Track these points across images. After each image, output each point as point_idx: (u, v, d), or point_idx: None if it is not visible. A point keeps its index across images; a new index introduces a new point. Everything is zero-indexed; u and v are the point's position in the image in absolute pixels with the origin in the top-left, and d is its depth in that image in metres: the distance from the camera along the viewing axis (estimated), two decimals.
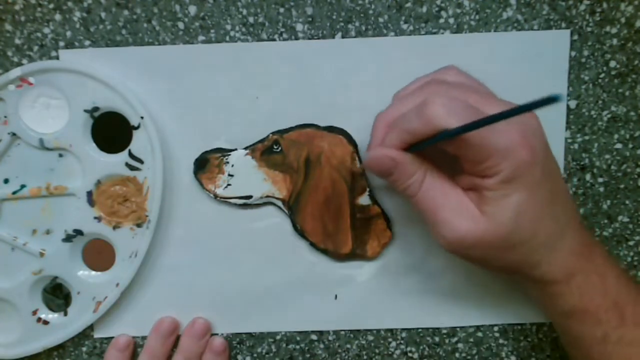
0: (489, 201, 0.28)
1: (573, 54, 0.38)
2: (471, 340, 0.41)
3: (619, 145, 0.39)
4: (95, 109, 0.37)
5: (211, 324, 0.40)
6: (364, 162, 0.32)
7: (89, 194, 0.38)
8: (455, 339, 0.41)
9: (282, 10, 0.37)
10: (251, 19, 0.37)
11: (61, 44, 0.37)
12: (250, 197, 0.38)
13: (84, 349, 0.40)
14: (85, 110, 0.37)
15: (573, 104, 0.38)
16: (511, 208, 0.28)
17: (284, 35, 0.37)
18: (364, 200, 0.38)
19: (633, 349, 0.30)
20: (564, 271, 0.30)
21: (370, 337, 0.40)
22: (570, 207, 0.32)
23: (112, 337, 0.40)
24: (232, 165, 0.37)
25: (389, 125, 0.31)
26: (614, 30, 0.37)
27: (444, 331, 0.40)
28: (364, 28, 0.37)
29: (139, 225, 0.38)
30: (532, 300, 0.35)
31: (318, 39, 0.37)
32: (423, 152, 0.30)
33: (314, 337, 0.40)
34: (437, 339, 0.41)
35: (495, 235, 0.29)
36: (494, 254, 0.30)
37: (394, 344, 0.41)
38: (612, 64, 0.38)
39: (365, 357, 0.41)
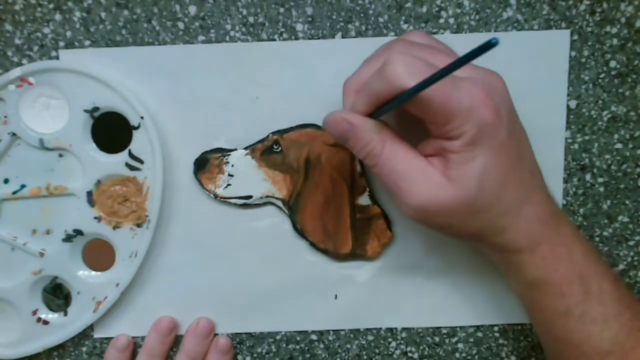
0: (454, 165, 0.28)
1: (573, 54, 0.38)
2: (471, 340, 0.41)
3: (619, 145, 0.39)
4: (95, 109, 0.37)
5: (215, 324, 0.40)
6: (323, 123, 0.31)
7: (89, 194, 0.38)
8: (455, 339, 0.41)
9: (282, 10, 0.37)
10: (251, 19, 0.37)
11: (61, 44, 0.37)
12: (250, 197, 0.38)
13: (84, 349, 0.40)
14: (85, 110, 0.37)
15: (573, 104, 0.38)
16: (476, 172, 0.27)
17: (284, 35, 0.37)
18: (364, 200, 0.38)
19: (595, 327, 0.30)
20: (529, 239, 0.30)
21: (370, 337, 0.40)
22: (536, 173, 0.31)
23: (112, 337, 0.40)
24: (232, 165, 0.38)
25: (357, 91, 0.30)
26: (614, 30, 0.37)
27: (444, 331, 0.41)
28: (364, 28, 0.37)
29: (139, 225, 0.38)
30: (497, 269, 0.34)
31: (318, 39, 0.37)
32: (385, 121, 0.30)
33: (314, 337, 0.40)
34: (437, 339, 0.41)
35: (460, 200, 0.28)
36: (459, 221, 0.29)
37: (394, 344, 0.41)
38: (612, 64, 0.38)
39: (365, 357, 0.41)
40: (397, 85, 0.26)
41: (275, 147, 0.37)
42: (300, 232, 0.38)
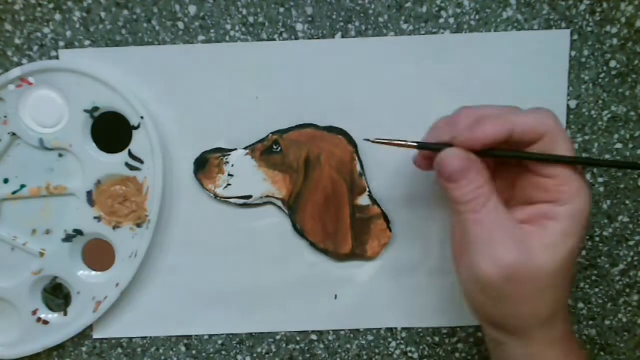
0: (551, 235, 0.28)
1: (573, 54, 0.38)
2: (471, 340, 0.41)
3: (619, 145, 0.39)
4: (95, 109, 0.37)
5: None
6: (436, 160, 0.30)
7: (89, 194, 0.38)
8: (455, 339, 0.41)
9: (282, 10, 0.37)
10: (251, 19, 0.37)
11: (61, 44, 0.37)
12: (250, 197, 0.38)
13: (84, 349, 0.40)
14: (85, 110, 0.37)
15: (573, 104, 0.38)
16: (569, 248, 0.28)
17: (284, 35, 0.37)
18: (363, 200, 0.38)
19: None
20: (564, 332, 0.31)
21: (370, 337, 0.40)
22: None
23: (111, 338, 0.40)
24: (232, 165, 0.37)
25: (477, 119, 0.29)
26: (614, 30, 0.37)
27: (444, 331, 0.40)
28: (364, 28, 0.37)
29: (139, 225, 0.38)
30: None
31: (318, 39, 0.37)
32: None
33: (314, 337, 0.40)
34: (437, 339, 0.41)
35: (546, 270, 0.28)
36: (531, 295, 0.29)
37: (394, 344, 0.41)
38: (612, 64, 0.38)
39: (365, 357, 0.41)
40: (548, 133, 0.28)
41: (275, 147, 0.37)
42: (300, 232, 0.38)
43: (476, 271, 0.29)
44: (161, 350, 0.40)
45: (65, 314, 0.39)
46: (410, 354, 0.41)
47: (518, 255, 0.28)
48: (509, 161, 0.32)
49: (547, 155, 0.29)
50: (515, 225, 0.29)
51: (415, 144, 0.31)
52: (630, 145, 0.39)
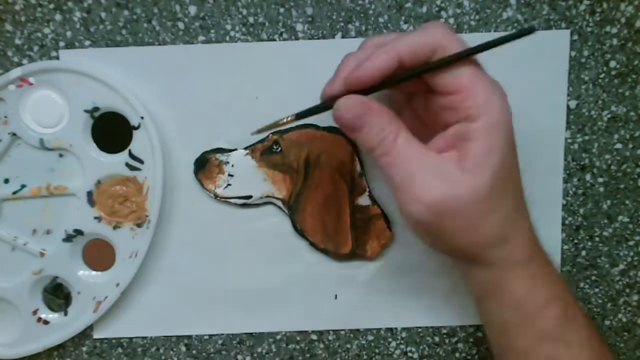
0: (470, 156, 0.27)
1: (573, 54, 0.38)
2: (471, 340, 0.41)
3: (619, 145, 0.39)
4: (95, 109, 0.37)
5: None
6: (335, 108, 0.29)
7: (89, 194, 0.38)
8: (455, 339, 0.41)
9: (282, 10, 0.37)
10: (251, 19, 0.37)
11: (61, 44, 0.37)
12: (250, 197, 0.38)
13: (84, 348, 0.40)
14: (85, 110, 0.37)
15: (573, 104, 0.38)
16: (493, 163, 0.27)
17: (284, 35, 0.37)
18: (363, 200, 0.38)
19: (570, 350, 0.29)
20: (524, 253, 0.29)
21: (370, 337, 0.40)
22: (522, 191, 0.31)
23: (112, 338, 0.40)
24: (232, 165, 0.38)
25: (378, 45, 0.28)
26: (614, 30, 0.37)
27: (444, 331, 0.41)
28: (364, 28, 0.37)
29: (139, 225, 0.38)
30: (474, 291, 0.33)
31: (318, 39, 0.37)
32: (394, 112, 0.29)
33: (314, 337, 0.40)
34: (437, 339, 0.41)
35: (475, 194, 0.27)
36: (468, 223, 0.28)
37: (394, 344, 0.41)
38: (612, 64, 0.38)
39: (365, 357, 0.41)
40: (438, 44, 0.26)
41: (275, 147, 0.37)
42: (300, 232, 0.38)
43: (405, 213, 0.28)
44: (161, 350, 0.40)
45: (66, 314, 0.39)
46: (410, 354, 0.41)
47: (440, 188, 0.27)
48: (416, 91, 0.30)
49: (435, 62, 0.26)
50: (433, 156, 0.27)
51: (294, 116, 0.31)
52: (630, 145, 0.39)
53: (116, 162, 0.37)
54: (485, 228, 0.28)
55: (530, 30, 0.23)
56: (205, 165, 0.38)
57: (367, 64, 0.27)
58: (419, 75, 0.28)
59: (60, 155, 0.38)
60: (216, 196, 0.38)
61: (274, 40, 0.37)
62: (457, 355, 0.41)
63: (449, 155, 0.28)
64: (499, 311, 0.31)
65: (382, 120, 0.28)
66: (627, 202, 0.39)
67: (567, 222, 0.39)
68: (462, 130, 0.27)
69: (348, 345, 0.40)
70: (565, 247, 0.40)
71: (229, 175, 0.38)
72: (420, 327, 0.40)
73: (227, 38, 0.37)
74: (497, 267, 0.30)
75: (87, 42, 0.37)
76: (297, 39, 0.37)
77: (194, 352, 0.40)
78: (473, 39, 0.37)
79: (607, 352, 0.31)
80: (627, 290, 0.40)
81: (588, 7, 0.37)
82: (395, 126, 0.28)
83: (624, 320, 0.40)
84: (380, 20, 0.37)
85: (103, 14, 0.37)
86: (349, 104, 0.28)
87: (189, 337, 0.40)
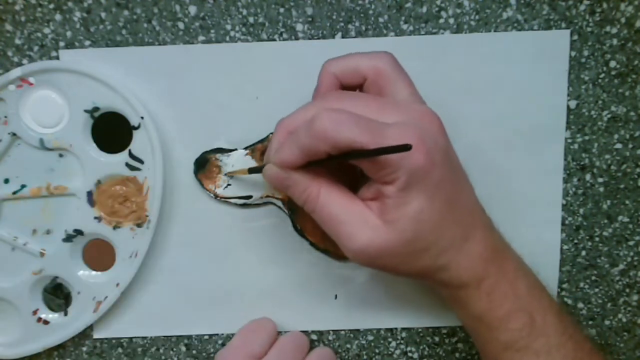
0: (389, 209, 0.28)
1: (573, 54, 0.38)
2: (471, 340, 0.41)
3: (619, 145, 0.39)
4: (95, 109, 0.37)
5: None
6: (263, 173, 0.32)
7: (89, 194, 0.38)
8: (455, 339, 0.41)
9: (282, 10, 0.37)
10: (251, 19, 0.37)
11: (61, 44, 0.37)
12: (250, 197, 0.38)
13: (84, 348, 0.40)
14: (85, 110, 0.37)
15: (573, 104, 0.38)
16: (410, 215, 0.28)
17: (284, 35, 0.37)
18: None
19: (538, 359, 0.31)
20: (472, 275, 0.30)
21: (370, 337, 0.40)
22: (477, 211, 0.31)
23: (112, 338, 0.40)
24: (232, 166, 0.38)
25: (289, 132, 0.30)
26: (614, 30, 0.37)
27: (444, 331, 0.41)
28: (364, 28, 0.37)
29: (139, 225, 0.38)
30: (445, 303, 0.34)
31: (318, 39, 0.37)
32: (322, 168, 0.30)
33: (314, 337, 0.40)
34: (437, 339, 0.41)
35: (396, 243, 0.28)
36: (400, 262, 0.30)
37: (394, 344, 0.41)
38: (612, 64, 0.38)
39: (365, 357, 0.41)
40: (326, 140, 0.27)
41: None
42: (300, 232, 0.38)
43: (347, 255, 0.30)
44: (161, 350, 0.40)
45: (66, 314, 0.39)
46: (410, 354, 0.41)
47: (363, 237, 0.28)
48: None
49: (354, 152, 0.27)
50: (357, 205, 0.29)
51: (247, 170, 0.35)
52: (630, 145, 0.39)
53: (116, 162, 0.37)
54: (419, 263, 0.30)
55: (406, 148, 0.24)
56: (205, 165, 0.38)
57: (279, 157, 0.30)
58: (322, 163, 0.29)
59: (60, 155, 0.38)
60: (216, 196, 0.38)
61: (274, 40, 0.37)
62: (457, 355, 0.41)
63: (373, 204, 0.29)
64: (466, 320, 0.33)
65: (304, 181, 0.30)
66: (627, 202, 0.39)
67: (567, 222, 0.39)
68: (379, 187, 0.29)
69: (348, 345, 0.40)
70: (565, 247, 0.40)
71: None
72: (420, 327, 0.40)
73: (227, 38, 0.37)
74: (448, 288, 0.31)
75: (87, 42, 0.37)
76: (297, 39, 0.37)
77: (194, 352, 0.40)
78: (473, 39, 0.38)
79: (590, 355, 0.32)
80: (627, 290, 0.40)
81: (588, 7, 0.37)
82: (317, 183, 0.30)
83: (624, 320, 0.40)
84: (380, 20, 0.37)
85: (103, 14, 0.37)
86: (272, 174, 0.30)
87: (189, 337, 0.40)
